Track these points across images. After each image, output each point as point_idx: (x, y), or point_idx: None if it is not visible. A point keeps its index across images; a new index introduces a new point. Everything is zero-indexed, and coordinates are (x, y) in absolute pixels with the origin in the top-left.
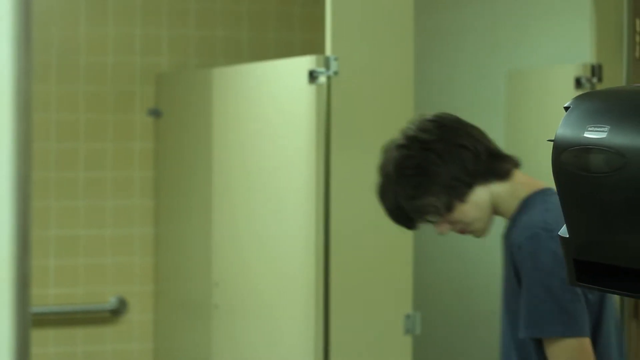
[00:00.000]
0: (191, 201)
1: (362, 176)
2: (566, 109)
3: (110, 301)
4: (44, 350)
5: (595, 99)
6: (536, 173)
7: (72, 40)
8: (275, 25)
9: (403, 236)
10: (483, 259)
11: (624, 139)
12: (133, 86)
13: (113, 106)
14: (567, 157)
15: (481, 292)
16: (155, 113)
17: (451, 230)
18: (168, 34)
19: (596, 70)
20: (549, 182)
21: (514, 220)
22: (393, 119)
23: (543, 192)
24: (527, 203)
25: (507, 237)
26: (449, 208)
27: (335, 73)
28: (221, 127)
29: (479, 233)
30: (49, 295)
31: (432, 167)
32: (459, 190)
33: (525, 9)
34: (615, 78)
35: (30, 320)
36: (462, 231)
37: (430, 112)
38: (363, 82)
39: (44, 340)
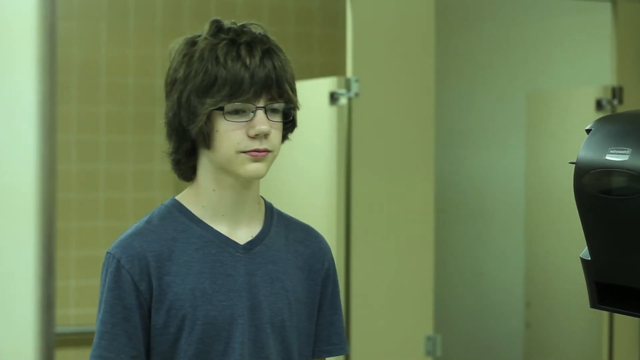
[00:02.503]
0: None
1: (382, 197)
2: (587, 131)
3: None
4: None
5: (616, 122)
6: (557, 194)
7: (93, 61)
8: (294, 47)
9: (424, 258)
10: (503, 281)
11: None
12: (153, 107)
13: (133, 127)
14: (589, 180)
15: (501, 314)
16: None
17: (260, 133)
18: None
19: (617, 93)
20: (571, 204)
21: (279, 215)
22: (413, 139)
23: None
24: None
25: (294, 230)
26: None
27: (356, 94)
28: None
29: (267, 164)
30: (70, 316)
31: None
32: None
33: (546, 32)
34: (636, 100)
35: (54, 340)
36: (265, 150)
37: (450, 131)
38: (384, 104)
39: None
